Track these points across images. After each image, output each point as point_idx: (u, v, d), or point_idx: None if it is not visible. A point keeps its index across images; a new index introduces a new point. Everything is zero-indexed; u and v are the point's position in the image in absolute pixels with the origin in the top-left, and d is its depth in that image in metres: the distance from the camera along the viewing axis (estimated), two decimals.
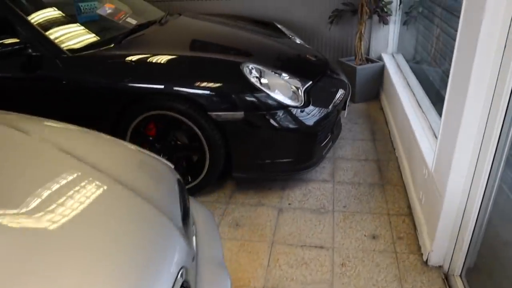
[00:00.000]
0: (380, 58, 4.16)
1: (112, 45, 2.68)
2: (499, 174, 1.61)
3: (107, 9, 3.00)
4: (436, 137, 2.36)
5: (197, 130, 2.43)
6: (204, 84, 2.36)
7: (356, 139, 3.33)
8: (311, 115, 2.49)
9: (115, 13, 3.01)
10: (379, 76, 4.02)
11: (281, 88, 2.47)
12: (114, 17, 2.96)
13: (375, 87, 4.09)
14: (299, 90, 2.54)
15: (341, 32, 4.31)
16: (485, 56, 1.51)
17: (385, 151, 3.13)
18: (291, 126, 2.41)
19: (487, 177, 1.67)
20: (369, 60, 4.12)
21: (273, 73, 2.54)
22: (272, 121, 2.38)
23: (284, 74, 2.59)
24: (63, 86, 2.53)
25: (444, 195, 1.84)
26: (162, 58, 2.49)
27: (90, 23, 2.98)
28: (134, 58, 2.51)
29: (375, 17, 4.04)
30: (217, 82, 2.37)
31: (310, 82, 2.66)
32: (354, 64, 3.98)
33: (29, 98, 2.68)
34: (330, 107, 2.62)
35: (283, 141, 2.46)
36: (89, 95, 2.53)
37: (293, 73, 2.66)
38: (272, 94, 2.38)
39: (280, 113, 2.38)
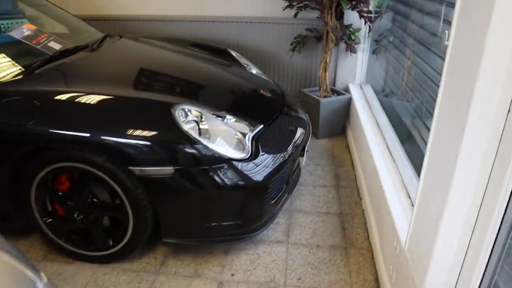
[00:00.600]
0: (347, 89, 3.80)
1: (21, 76, 2.20)
2: (499, 269, 1.20)
3: (24, 31, 2.51)
4: (411, 200, 1.96)
5: (117, 188, 1.95)
6: (124, 131, 1.90)
7: (317, 185, 2.92)
8: (260, 168, 2.05)
9: (34, 35, 2.52)
10: (346, 110, 3.65)
11: (223, 136, 2.03)
12: (32, 40, 2.47)
13: (341, 121, 3.71)
14: (246, 138, 2.11)
15: (304, 61, 3.93)
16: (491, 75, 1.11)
17: (350, 201, 2.72)
18: (233, 182, 1.96)
19: (481, 274, 1.26)
20: (334, 92, 3.74)
21: (215, 116, 2.10)
22: (209, 178, 1.93)
23: (229, 117, 2.16)
24: None
25: (420, 287, 1.42)
26: (76, 96, 2.01)
27: (6, 46, 2.48)
28: (41, 94, 2.03)
29: (342, 45, 3.68)
30: (142, 129, 1.91)
31: (261, 126, 2.24)
32: (318, 96, 3.59)
33: None
34: (286, 155, 2.20)
35: (224, 201, 2.01)
36: None
37: (241, 114, 2.24)
38: (210, 145, 1.94)
39: (220, 167, 1.94)
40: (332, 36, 3.44)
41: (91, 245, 2.17)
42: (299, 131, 2.47)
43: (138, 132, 1.89)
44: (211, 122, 2.05)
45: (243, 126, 2.16)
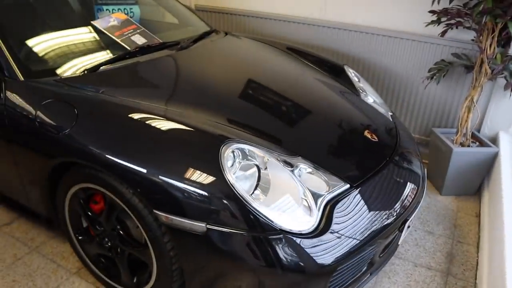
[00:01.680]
0: (495, 139, 2.89)
1: (83, 72, 1.95)
2: None
3: (110, 20, 2.27)
4: None
5: (141, 228, 1.57)
6: (156, 164, 1.49)
7: (420, 264, 2.19)
8: (328, 247, 1.48)
9: (120, 26, 2.27)
10: (487, 165, 2.77)
11: (286, 195, 1.49)
12: (115, 32, 2.22)
13: (478, 178, 2.84)
14: (318, 202, 1.54)
15: (443, 94, 3.10)
16: None
17: None
18: (284, 261, 1.42)
19: None
20: (477, 140, 2.88)
21: (284, 163, 1.57)
22: (251, 249, 1.42)
23: (304, 166, 1.61)
24: (4, 118, 1.86)
25: None
26: (117, 109, 1.68)
27: (91, 35, 2.27)
28: (86, 100, 1.74)
29: (500, 81, 2.79)
30: (177, 167, 1.48)
31: (346, 187, 1.64)
32: (452, 142, 2.78)
33: None
34: (372, 234, 1.58)
35: (269, 282, 1.48)
36: (22, 140, 1.83)
37: (324, 163, 1.67)
38: (262, 209, 1.42)
39: (269, 239, 1.42)
40: (487, 68, 2.59)
41: (117, 277, 1.86)
42: (404, 195, 1.81)
43: (171, 171, 1.47)
44: (275, 172, 1.53)
45: (319, 183, 1.59)
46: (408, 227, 1.83)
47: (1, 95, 1.89)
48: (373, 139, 2.00)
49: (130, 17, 2.63)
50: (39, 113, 1.75)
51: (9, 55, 1.92)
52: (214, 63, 2.34)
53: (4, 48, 1.94)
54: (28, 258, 2.14)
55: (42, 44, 2.08)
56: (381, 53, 3.20)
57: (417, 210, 1.86)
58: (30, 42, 2.06)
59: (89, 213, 1.79)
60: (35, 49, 2.05)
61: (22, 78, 1.87)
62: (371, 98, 2.47)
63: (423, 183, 1.98)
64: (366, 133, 2.02)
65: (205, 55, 2.41)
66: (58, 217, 1.94)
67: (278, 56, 2.66)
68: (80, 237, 1.91)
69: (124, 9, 2.73)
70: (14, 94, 1.86)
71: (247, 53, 2.63)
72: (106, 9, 2.60)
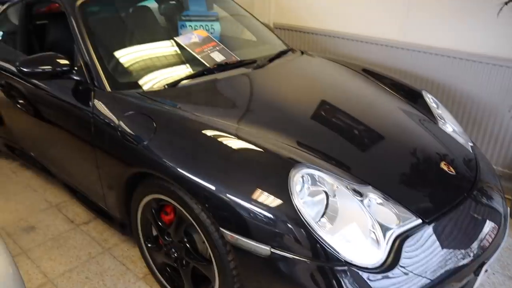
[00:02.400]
0: None
1: (164, 87, 2.05)
2: None
3: (192, 37, 2.38)
4: None
5: (207, 244, 1.61)
6: (225, 182, 1.52)
7: None
8: (395, 284, 1.42)
9: (201, 43, 2.36)
10: None
11: (354, 225, 1.46)
12: (196, 48, 2.31)
13: None
14: (387, 236, 1.48)
15: None
16: None
17: None
18: None
19: None
20: None
21: (353, 192, 1.53)
22: (314, 279, 1.40)
23: (374, 196, 1.56)
24: (91, 125, 2.01)
25: None
26: (193, 125, 1.75)
27: (174, 50, 2.39)
28: (164, 114, 1.83)
29: None
30: (245, 187, 1.50)
31: (418, 222, 1.56)
32: None
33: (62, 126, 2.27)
34: (444, 275, 1.49)
35: None
36: (105, 146, 1.96)
37: (395, 195, 1.61)
38: (327, 238, 1.40)
39: (334, 270, 1.39)
40: None
41: None
42: (483, 234, 1.69)
43: (239, 190, 1.49)
44: (344, 200, 1.50)
45: (389, 215, 1.53)
46: (486, 270, 1.70)
47: (90, 103, 2.05)
48: (450, 172, 1.89)
49: (211, 33, 2.73)
50: (121, 123, 1.86)
51: (99, 67, 2.08)
52: (288, 83, 2.35)
53: (96, 61, 2.11)
54: (100, 257, 2.27)
55: (129, 57, 2.23)
56: (462, 78, 3.04)
57: (497, 252, 1.73)
58: (118, 55, 2.21)
59: (160, 223, 1.86)
60: (123, 62, 2.20)
61: (109, 89, 2.02)
62: (450, 126, 2.34)
63: (505, 222, 1.84)
64: (443, 165, 1.91)
65: (280, 74, 2.43)
66: (131, 222, 2.04)
67: (353, 78, 2.61)
68: (149, 245, 2.00)
69: (206, 25, 2.84)
70: (101, 104, 2.00)
71: (322, 74, 2.62)
72: (189, 25, 2.73)
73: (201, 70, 2.19)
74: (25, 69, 2.04)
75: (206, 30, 2.81)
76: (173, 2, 2.86)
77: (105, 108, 1.97)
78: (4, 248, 1.26)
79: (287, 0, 3.96)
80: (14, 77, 2.66)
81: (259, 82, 2.26)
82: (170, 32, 2.56)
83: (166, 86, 2.05)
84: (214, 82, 2.15)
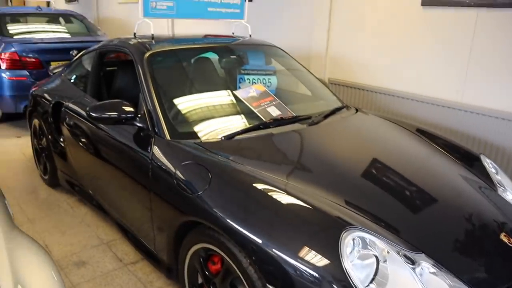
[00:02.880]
0: None
1: (220, 139, 2.13)
2: None
3: (250, 91, 2.48)
4: None
5: None
6: (275, 239, 1.54)
7: None
8: None
9: (259, 97, 2.46)
10: None
11: None
12: (253, 102, 2.40)
13: None
14: None
15: None
16: None
17: None
18: None
19: None
20: None
21: (405, 259, 1.49)
22: None
23: (426, 264, 1.51)
24: (148, 170, 2.11)
25: None
26: (245, 177, 1.80)
27: (235, 103, 2.51)
28: (219, 166, 1.90)
29: None
30: (294, 245, 1.50)
31: None
32: None
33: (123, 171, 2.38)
34: None
35: None
36: (160, 191, 2.04)
37: (449, 263, 1.55)
38: None
39: None
40: None
41: None
42: None
43: (287, 246, 1.50)
44: (395, 267, 1.46)
45: (442, 286, 1.47)
46: None
47: (149, 149, 2.16)
48: (511, 244, 1.80)
49: (267, 86, 2.84)
50: (178, 171, 1.94)
51: (161, 116, 2.21)
52: (341, 141, 2.38)
53: (158, 109, 2.24)
54: None
55: (189, 108, 2.36)
56: None
57: None
58: (179, 105, 2.34)
59: (206, 272, 1.89)
60: (183, 112, 2.33)
61: (168, 138, 2.12)
62: (510, 194, 2.25)
63: None
64: (503, 236, 1.83)
65: (333, 132, 2.47)
66: (178, 268, 2.08)
67: (407, 138, 2.59)
68: None
69: (263, 79, 2.96)
70: (160, 151, 2.10)
71: (375, 132, 2.62)
72: (247, 79, 2.85)
73: (257, 124, 2.27)
74: (93, 114, 2.20)
75: (263, 83, 2.92)
76: (234, 56, 3.01)
77: (164, 156, 2.07)
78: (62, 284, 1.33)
79: (342, 56, 4.06)
80: (81, 118, 2.86)
81: (312, 139, 2.30)
82: (229, 85, 2.69)
83: (223, 138, 2.13)
84: (269, 137, 2.22)
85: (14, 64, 5.06)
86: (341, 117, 2.68)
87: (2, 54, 5.05)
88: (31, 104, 3.82)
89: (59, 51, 5.35)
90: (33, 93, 3.80)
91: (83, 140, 2.90)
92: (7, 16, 5.85)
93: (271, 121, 2.33)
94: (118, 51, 2.85)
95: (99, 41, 5.72)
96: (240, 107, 2.43)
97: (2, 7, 6.54)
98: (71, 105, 3.10)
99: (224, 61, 2.93)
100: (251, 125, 2.26)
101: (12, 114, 5.28)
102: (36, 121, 3.72)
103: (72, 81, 3.44)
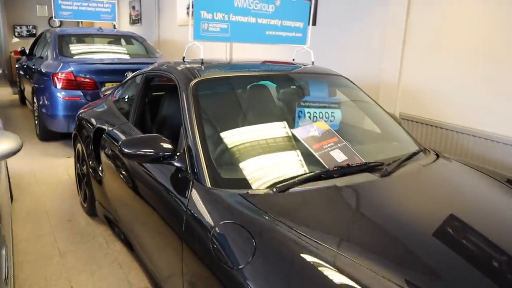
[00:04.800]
0: None
1: (272, 190, 1.72)
2: None
3: (311, 130, 2.06)
4: None
5: None
6: None
7: None
8: None
9: (320, 138, 2.03)
10: None
11: None
12: (314, 144, 1.98)
13: None
14: None
15: None
16: None
17: None
18: None
19: None
20: None
21: None
22: None
23: None
24: (183, 217, 1.74)
25: None
26: (291, 245, 1.38)
27: (288, 148, 2.10)
28: (268, 231, 1.48)
29: None
30: None
31: None
32: None
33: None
34: None
35: None
36: (193, 245, 1.65)
37: None
38: None
39: None
40: None
41: None
42: None
43: None
44: None
45: None
46: None
47: (187, 194, 1.79)
48: None
49: (330, 121, 2.42)
50: (215, 233, 1.55)
51: (202, 157, 1.84)
52: (420, 198, 1.88)
53: (200, 148, 1.88)
54: None
55: (237, 149, 1.98)
56: None
57: None
58: (225, 145, 1.97)
59: None
60: (229, 154, 1.95)
61: (209, 185, 1.75)
62: None
63: None
64: None
65: (410, 186, 1.97)
66: None
67: (497, 191, 2.06)
68: None
69: (326, 112, 2.53)
70: (198, 199, 1.73)
71: (462, 188, 2.09)
72: (307, 112, 2.44)
73: (318, 173, 1.83)
74: (126, 150, 1.88)
75: (326, 117, 2.50)
76: (294, 86, 2.63)
77: (201, 207, 1.69)
78: None
79: (417, 88, 3.54)
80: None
81: (384, 196, 1.82)
82: (286, 121, 2.28)
83: (275, 190, 1.71)
84: (332, 192, 1.76)
85: (69, 84, 5.00)
86: (419, 165, 2.18)
87: (59, 73, 5.01)
88: (76, 127, 3.64)
89: (114, 72, 5.25)
90: (80, 115, 3.62)
91: (119, 171, 2.60)
92: (68, 36, 5.89)
93: (335, 168, 1.88)
94: (165, 77, 2.55)
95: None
96: (298, 149, 2.02)
97: (67, 28, 6.63)
98: (111, 132, 2.83)
99: (282, 92, 2.55)
100: (310, 174, 1.82)
101: (65, 133, 5.21)
102: (79, 146, 3.52)
103: (116, 105, 3.20)
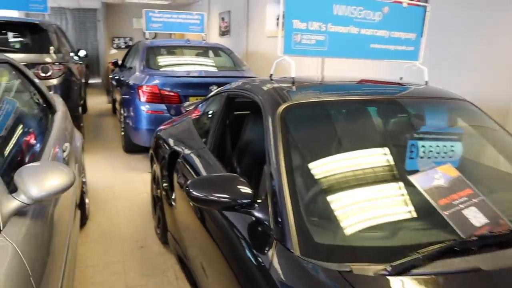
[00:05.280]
0: None
1: (385, 270, 1.22)
2: None
3: (435, 177, 1.53)
4: None
5: None
6: None
7: None
8: None
9: (446, 188, 1.50)
10: None
11: None
12: (440, 198, 1.45)
13: None
14: None
15: None
16: None
17: None
18: None
19: None
20: None
21: None
22: None
23: None
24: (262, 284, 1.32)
25: None
26: None
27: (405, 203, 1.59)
28: None
29: None
30: None
31: None
32: None
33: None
34: None
35: None
36: None
37: None
38: None
39: None
40: None
41: None
42: None
43: None
44: None
45: None
46: None
47: (269, 255, 1.37)
48: None
49: (449, 157, 1.88)
50: None
51: (291, 211, 1.40)
52: None
53: (287, 195, 1.44)
54: None
55: (335, 203, 1.51)
56: None
57: None
58: (319, 197, 1.51)
59: None
60: (324, 209, 1.49)
61: (298, 252, 1.30)
62: None
63: None
64: None
65: None
66: None
67: None
68: None
69: (444, 145, 1.98)
70: (283, 269, 1.29)
71: None
72: (422, 146, 1.90)
73: (449, 244, 1.29)
74: (194, 193, 1.51)
75: (444, 153, 1.95)
76: (406, 114, 2.10)
77: (288, 279, 1.25)
78: None
79: None
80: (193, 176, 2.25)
81: None
82: (398, 162, 1.76)
83: (389, 270, 1.20)
84: (475, 280, 1.22)
85: (154, 98, 4.88)
86: None
87: (144, 86, 4.91)
88: (153, 146, 3.41)
89: (199, 86, 5.05)
90: (157, 133, 3.38)
91: (191, 204, 2.26)
92: (157, 48, 5.84)
93: (473, 238, 1.33)
94: (248, 98, 2.17)
95: (242, 77, 5.38)
96: (417, 204, 1.50)
97: (156, 40, 6.64)
98: (187, 157, 2.52)
99: (391, 122, 2.04)
100: (439, 246, 1.29)
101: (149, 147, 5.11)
102: (155, 166, 3.28)
103: (195, 125, 2.89)
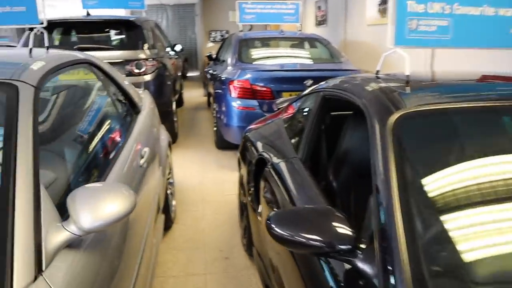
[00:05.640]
0: None
1: None
2: None
3: None
4: None
5: None
6: None
7: None
8: None
9: None
10: None
11: None
12: None
13: None
14: None
15: None
16: None
17: None
18: None
19: None
20: None
21: None
22: None
23: None
24: None
25: None
26: None
27: None
28: None
29: None
30: None
31: None
32: None
33: None
34: None
35: None
36: None
37: None
38: None
39: None
40: None
41: None
42: None
43: None
44: None
45: None
46: None
47: None
48: None
49: None
50: None
51: (408, 265, 1.00)
52: None
53: (402, 239, 1.04)
54: None
55: (471, 256, 1.06)
56: None
57: None
58: (450, 244, 1.08)
59: None
60: (458, 264, 1.05)
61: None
62: None
63: None
64: None
65: None
66: None
67: None
68: None
69: None
70: None
71: None
72: None
73: None
74: (276, 230, 1.16)
75: None
76: None
77: None
78: None
79: None
80: (280, 188, 1.92)
81: None
82: None
83: None
84: None
85: (245, 93, 4.64)
86: None
87: (235, 81, 4.69)
88: (240, 148, 3.15)
89: (293, 80, 4.70)
90: (246, 134, 3.10)
91: None
92: (250, 40, 5.60)
93: None
94: (348, 99, 1.76)
95: (340, 70, 4.91)
96: None
97: (248, 32, 6.40)
98: (276, 166, 2.19)
99: None
100: None
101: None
102: (243, 170, 3.01)
103: (287, 128, 2.54)
